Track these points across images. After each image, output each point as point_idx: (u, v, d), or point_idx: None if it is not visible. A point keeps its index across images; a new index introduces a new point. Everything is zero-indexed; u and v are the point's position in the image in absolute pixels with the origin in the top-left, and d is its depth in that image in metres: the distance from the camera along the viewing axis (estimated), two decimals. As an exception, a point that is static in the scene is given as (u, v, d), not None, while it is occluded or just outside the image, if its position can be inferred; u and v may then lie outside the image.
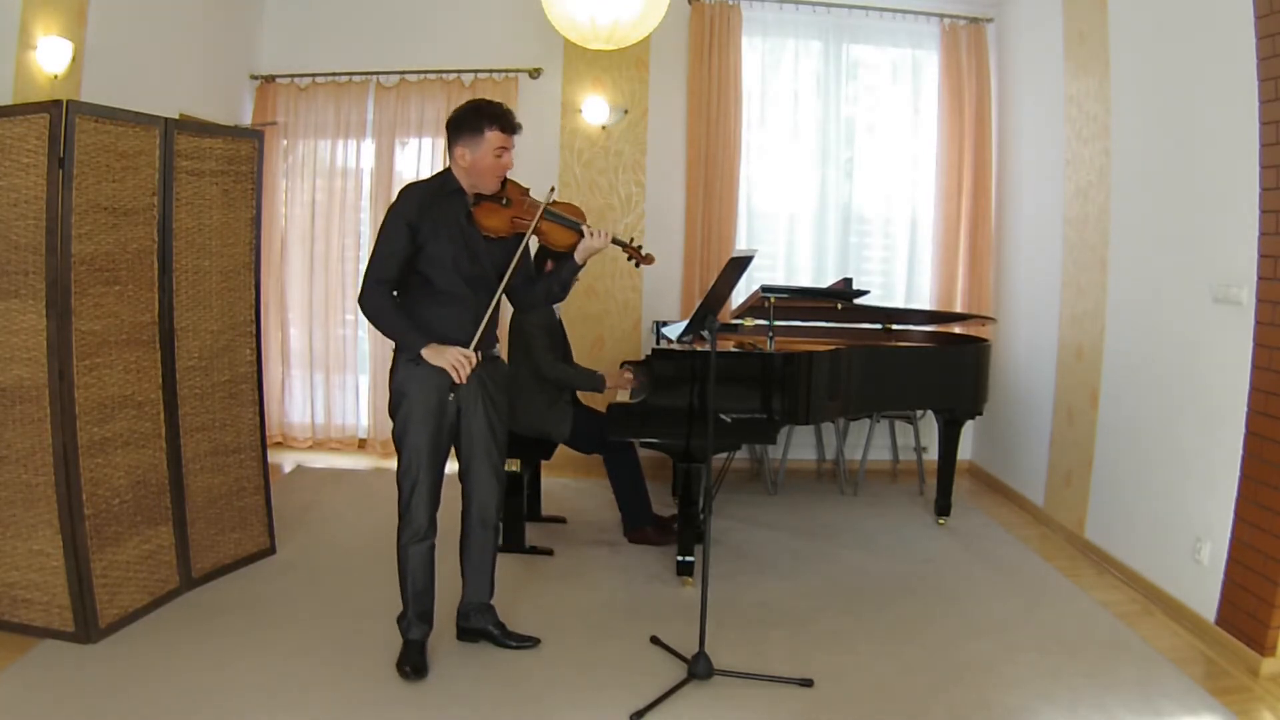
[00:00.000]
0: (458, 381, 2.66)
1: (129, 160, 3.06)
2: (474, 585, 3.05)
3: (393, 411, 2.81)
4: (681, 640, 3.09)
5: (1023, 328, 5.18)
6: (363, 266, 5.50)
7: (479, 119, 2.72)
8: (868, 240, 5.70)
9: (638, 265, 3.02)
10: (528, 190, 2.92)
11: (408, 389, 2.76)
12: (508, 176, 2.86)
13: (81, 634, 2.94)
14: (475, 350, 2.70)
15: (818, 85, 5.51)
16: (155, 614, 3.20)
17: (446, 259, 2.74)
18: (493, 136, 2.72)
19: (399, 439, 2.80)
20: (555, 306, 4.05)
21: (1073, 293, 4.51)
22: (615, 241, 2.91)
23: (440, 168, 5.34)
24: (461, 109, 2.77)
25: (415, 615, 2.88)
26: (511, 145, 2.77)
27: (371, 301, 2.73)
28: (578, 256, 2.86)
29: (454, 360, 2.65)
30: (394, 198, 2.79)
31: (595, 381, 4.04)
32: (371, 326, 2.83)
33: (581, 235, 2.85)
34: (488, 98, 2.86)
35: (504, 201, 2.84)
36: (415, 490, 2.79)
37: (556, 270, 2.93)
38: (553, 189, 3.02)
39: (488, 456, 2.90)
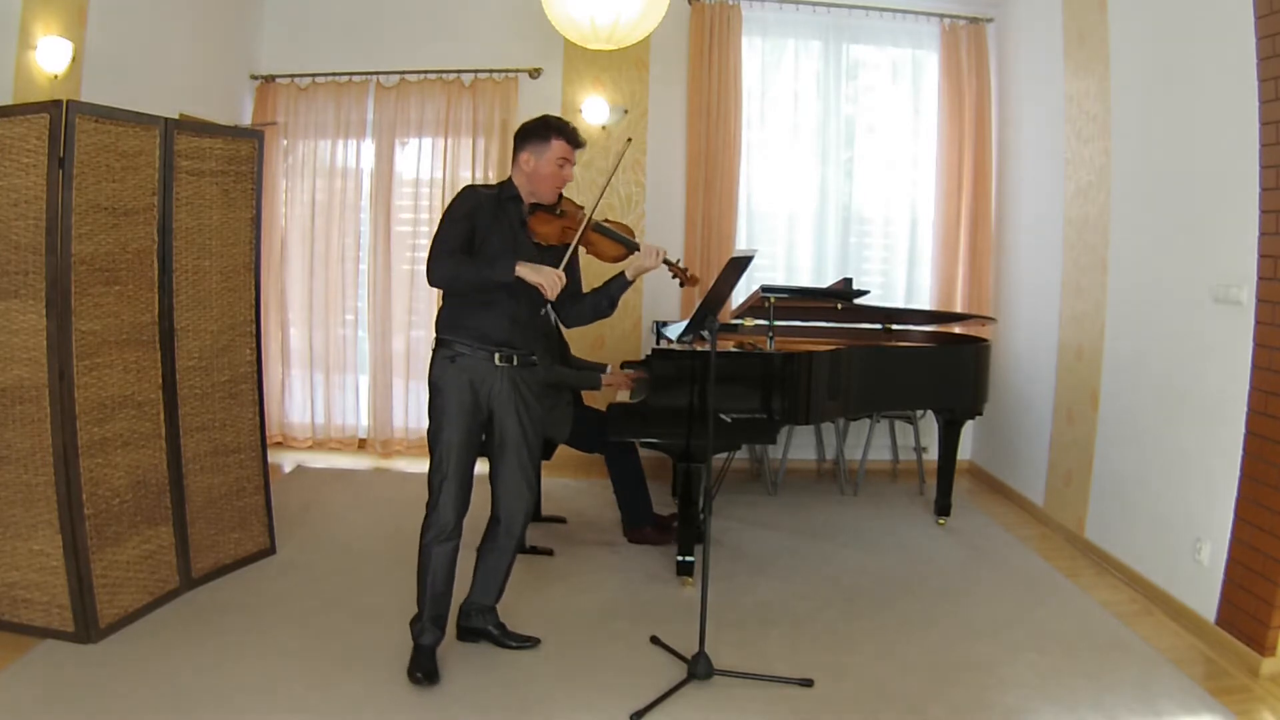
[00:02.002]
0: (549, 298, 2.72)
1: (129, 160, 3.06)
2: (482, 588, 3.04)
3: (430, 410, 2.86)
4: (681, 640, 3.09)
5: (1023, 328, 5.18)
6: (363, 267, 5.60)
7: (547, 129, 2.85)
8: (868, 240, 5.70)
9: (682, 285, 3.07)
10: (582, 206, 2.98)
11: (442, 385, 2.81)
12: (565, 195, 2.95)
13: (81, 634, 2.94)
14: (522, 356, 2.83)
15: (818, 85, 5.51)
16: (155, 614, 3.20)
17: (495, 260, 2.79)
18: (558, 146, 2.83)
19: (433, 435, 2.83)
20: (549, 310, 4.05)
21: (1073, 293, 4.51)
22: (665, 262, 2.94)
23: (442, 168, 5.42)
24: (532, 120, 2.90)
25: (430, 619, 2.85)
26: (574, 160, 2.88)
27: (441, 268, 2.71)
28: (629, 274, 2.91)
29: (550, 278, 2.67)
30: (452, 196, 2.86)
31: (590, 380, 4.04)
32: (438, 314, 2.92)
33: (629, 251, 2.91)
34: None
35: (558, 212, 2.92)
36: (444, 487, 2.80)
37: (606, 286, 2.96)
38: (629, 140, 3.22)
39: (518, 461, 2.90)
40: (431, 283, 2.73)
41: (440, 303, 2.91)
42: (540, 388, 3.01)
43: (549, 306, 2.97)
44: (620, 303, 2.86)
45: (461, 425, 2.80)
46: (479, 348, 2.81)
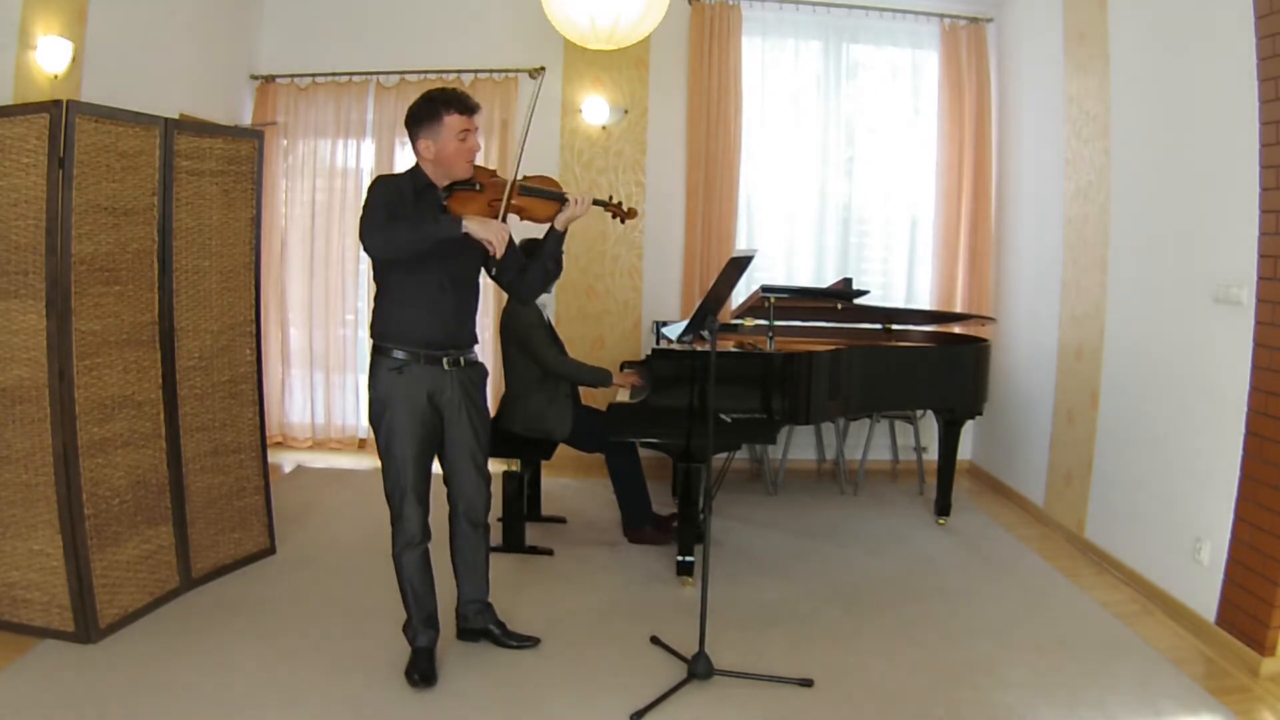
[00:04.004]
0: (494, 256, 2.57)
1: (129, 160, 3.06)
2: (469, 585, 3.04)
3: (375, 421, 2.76)
4: (681, 640, 3.09)
5: (1023, 328, 5.18)
6: (363, 267, 5.60)
7: (434, 106, 2.67)
8: (868, 240, 5.70)
9: (623, 221, 2.93)
10: (495, 171, 2.84)
11: (391, 399, 2.71)
12: (475, 164, 2.80)
13: (81, 634, 2.94)
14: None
15: (818, 85, 5.51)
16: (155, 614, 3.20)
17: (425, 255, 2.66)
18: (452, 121, 2.66)
19: (384, 449, 2.75)
20: (543, 307, 4.04)
21: (1073, 293, 4.51)
22: (596, 202, 2.82)
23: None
24: (416, 103, 2.71)
25: (420, 622, 2.86)
26: (474, 126, 2.70)
27: (376, 236, 2.57)
28: (558, 225, 2.78)
29: (498, 234, 2.54)
30: (366, 192, 2.68)
31: (602, 376, 4.02)
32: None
33: (561, 205, 2.76)
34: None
35: (477, 187, 2.74)
36: (405, 499, 2.76)
37: (542, 246, 2.85)
38: (542, 69, 2.91)
39: (472, 458, 2.87)
40: (369, 250, 2.60)
41: (374, 304, 2.79)
42: (482, 381, 2.91)
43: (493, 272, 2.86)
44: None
45: (416, 437, 2.73)
46: (426, 355, 2.71)
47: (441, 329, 2.75)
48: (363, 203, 2.66)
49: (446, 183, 2.74)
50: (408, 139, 2.77)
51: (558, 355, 3.95)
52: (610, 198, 2.91)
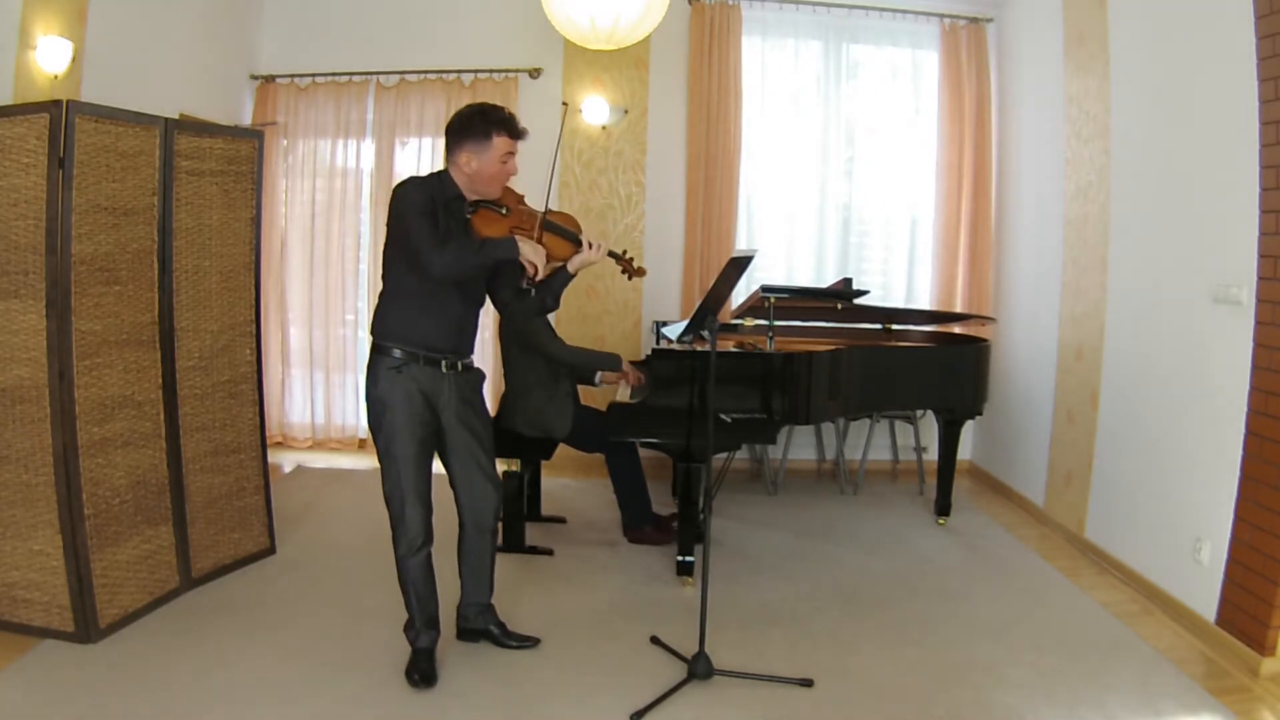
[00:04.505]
0: (533, 277, 2.71)
1: (129, 160, 3.06)
2: (473, 588, 3.04)
3: (374, 422, 2.75)
4: (681, 640, 3.09)
5: (1023, 328, 5.18)
6: (363, 267, 5.60)
7: (486, 124, 2.65)
8: (868, 240, 5.70)
9: (630, 278, 3.01)
10: (523, 197, 2.87)
11: (391, 398, 2.70)
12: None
13: (81, 634, 2.95)
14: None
15: (818, 85, 5.51)
16: (155, 614, 3.20)
17: None
18: (500, 142, 2.66)
19: (385, 450, 2.73)
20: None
21: (1073, 293, 4.51)
22: (610, 254, 2.89)
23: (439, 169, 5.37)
24: (466, 114, 2.70)
25: (422, 624, 2.85)
26: (517, 150, 2.72)
27: (443, 257, 2.57)
28: (570, 267, 2.81)
29: (542, 258, 2.67)
30: (396, 191, 2.67)
31: (612, 360, 4.01)
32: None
33: (578, 246, 2.81)
34: (491, 101, 2.81)
35: (503, 210, 2.76)
36: (407, 502, 2.74)
37: (548, 281, 2.86)
38: (564, 105, 3.00)
39: (477, 462, 2.86)
40: (436, 275, 2.58)
41: (378, 302, 2.78)
42: (479, 384, 2.92)
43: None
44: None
45: (415, 438, 2.72)
46: (426, 356, 2.71)
47: (445, 336, 2.76)
48: (398, 208, 2.63)
49: (475, 197, 2.75)
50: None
51: (561, 344, 3.96)
52: (624, 252, 2.97)
